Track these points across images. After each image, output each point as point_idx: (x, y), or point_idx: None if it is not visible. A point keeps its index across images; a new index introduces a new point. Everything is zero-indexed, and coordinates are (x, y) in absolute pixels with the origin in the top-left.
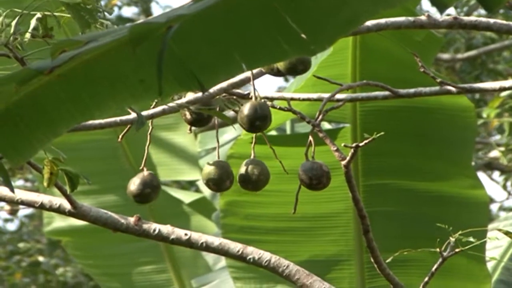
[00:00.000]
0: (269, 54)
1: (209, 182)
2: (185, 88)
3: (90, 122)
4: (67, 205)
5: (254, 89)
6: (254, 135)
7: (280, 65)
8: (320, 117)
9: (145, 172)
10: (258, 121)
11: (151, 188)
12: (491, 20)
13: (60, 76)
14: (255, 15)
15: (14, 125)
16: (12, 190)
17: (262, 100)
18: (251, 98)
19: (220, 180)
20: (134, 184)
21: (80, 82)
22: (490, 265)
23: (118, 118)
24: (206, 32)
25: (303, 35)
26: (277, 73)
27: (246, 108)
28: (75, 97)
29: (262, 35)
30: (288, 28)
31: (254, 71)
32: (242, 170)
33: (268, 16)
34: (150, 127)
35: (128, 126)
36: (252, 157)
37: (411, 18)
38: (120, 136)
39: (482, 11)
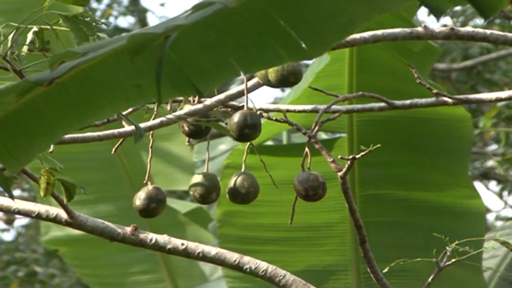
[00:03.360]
0: (265, 59)
1: (195, 193)
2: (182, 93)
3: (89, 134)
4: (63, 215)
5: (247, 98)
6: (246, 147)
7: (272, 76)
8: (316, 128)
9: (150, 186)
10: (247, 129)
11: (156, 203)
12: (488, 31)
13: (58, 84)
14: (252, 22)
15: (12, 132)
16: (12, 198)
17: (256, 111)
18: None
19: (206, 192)
20: (139, 199)
21: (77, 89)
22: (486, 275)
23: (116, 131)
24: (203, 39)
25: (302, 44)
26: (272, 84)
27: (236, 116)
28: (72, 103)
29: (258, 41)
30: (284, 33)
31: (251, 82)
32: (232, 183)
33: (264, 22)
34: (151, 140)
35: (122, 138)
36: (243, 169)
37: (408, 30)
38: (114, 148)
39: (478, 21)
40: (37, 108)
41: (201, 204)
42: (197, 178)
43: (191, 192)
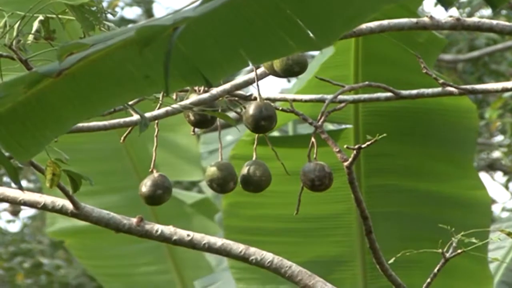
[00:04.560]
0: (274, 49)
1: (213, 183)
2: (191, 84)
3: (94, 123)
4: (69, 206)
5: (259, 90)
6: (256, 136)
7: (277, 66)
8: (323, 118)
9: (156, 174)
10: (263, 121)
11: (162, 190)
12: (494, 21)
13: (67, 75)
14: (261, 13)
15: (21, 124)
16: (21, 189)
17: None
18: (253, 99)
19: (223, 181)
20: (145, 186)
21: (86, 80)
22: (492, 266)
23: (121, 120)
24: (212, 30)
25: (311, 34)
26: (277, 74)
27: (251, 109)
28: (81, 94)
29: (266, 31)
30: (293, 23)
31: (257, 72)
32: (244, 171)
33: (273, 13)
34: (157, 130)
35: (130, 127)
36: (254, 158)
37: (414, 20)
38: (123, 138)
39: (485, 12)
40: (46, 99)
41: (219, 193)
42: (212, 168)
43: (207, 183)
